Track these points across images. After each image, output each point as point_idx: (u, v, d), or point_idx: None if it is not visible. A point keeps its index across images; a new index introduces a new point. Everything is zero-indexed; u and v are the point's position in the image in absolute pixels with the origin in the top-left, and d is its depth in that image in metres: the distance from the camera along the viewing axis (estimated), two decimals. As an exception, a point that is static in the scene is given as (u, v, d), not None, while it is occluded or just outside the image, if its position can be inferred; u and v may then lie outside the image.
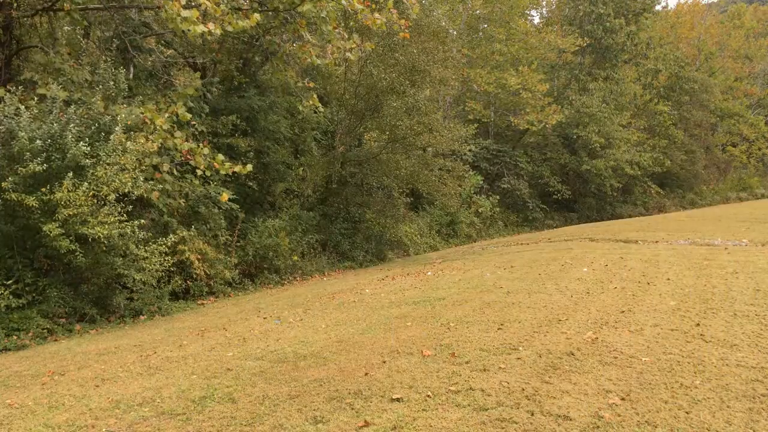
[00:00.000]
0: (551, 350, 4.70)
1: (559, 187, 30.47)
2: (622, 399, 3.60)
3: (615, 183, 31.37)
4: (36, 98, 8.86)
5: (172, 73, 13.34)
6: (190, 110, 11.26)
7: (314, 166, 17.35)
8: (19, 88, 8.75)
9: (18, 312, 8.05)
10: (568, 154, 31.69)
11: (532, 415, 3.41)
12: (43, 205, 7.94)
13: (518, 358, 4.52)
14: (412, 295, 8.36)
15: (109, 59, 10.33)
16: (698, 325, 5.31)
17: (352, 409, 3.68)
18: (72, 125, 8.27)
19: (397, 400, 3.78)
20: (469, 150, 24.93)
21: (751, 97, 46.68)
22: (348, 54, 11.53)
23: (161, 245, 9.45)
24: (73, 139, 8.18)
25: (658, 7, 38.45)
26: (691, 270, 8.51)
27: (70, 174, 8.00)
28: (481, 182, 26.91)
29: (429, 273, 11.45)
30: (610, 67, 35.31)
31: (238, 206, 13.10)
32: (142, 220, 9.22)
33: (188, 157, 10.30)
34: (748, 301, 6.23)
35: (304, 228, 15.73)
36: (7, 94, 8.42)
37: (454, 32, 28.33)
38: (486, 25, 30.99)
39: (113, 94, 9.66)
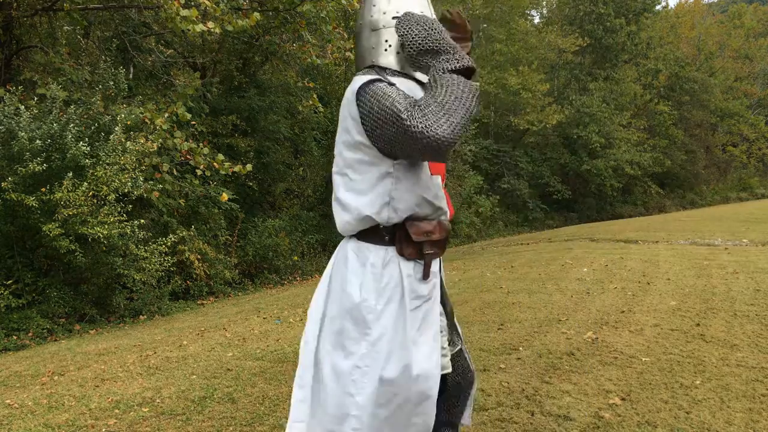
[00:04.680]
0: (551, 350, 4.70)
1: (559, 187, 30.43)
2: (623, 399, 3.60)
3: (615, 183, 31.34)
4: (36, 98, 8.85)
5: (172, 73, 13.32)
6: (190, 110, 11.25)
7: (314, 166, 17.34)
8: (19, 88, 8.72)
9: (18, 312, 8.05)
10: (568, 154, 31.66)
11: (532, 415, 3.41)
12: (42, 205, 7.93)
13: (518, 358, 4.52)
14: (412, 295, 8.33)
15: (109, 59, 10.31)
16: (698, 325, 5.31)
17: (352, 409, 3.67)
18: (72, 125, 8.26)
19: (397, 400, 3.77)
20: (469, 150, 24.93)
21: (751, 97, 46.64)
22: (348, 54, 11.53)
23: (161, 245, 9.44)
24: (72, 139, 8.17)
25: (658, 7, 38.45)
26: (691, 270, 8.51)
27: (70, 174, 7.99)
28: (481, 182, 26.89)
29: (429, 273, 11.43)
30: (610, 67, 35.28)
31: (238, 206, 13.09)
32: (142, 220, 9.21)
33: (188, 157, 10.29)
34: (748, 301, 6.23)
35: (304, 228, 15.72)
36: (7, 94, 8.41)
37: (454, 32, 28.28)
38: (486, 25, 30.98)
39: (113, 94, 9.65)
